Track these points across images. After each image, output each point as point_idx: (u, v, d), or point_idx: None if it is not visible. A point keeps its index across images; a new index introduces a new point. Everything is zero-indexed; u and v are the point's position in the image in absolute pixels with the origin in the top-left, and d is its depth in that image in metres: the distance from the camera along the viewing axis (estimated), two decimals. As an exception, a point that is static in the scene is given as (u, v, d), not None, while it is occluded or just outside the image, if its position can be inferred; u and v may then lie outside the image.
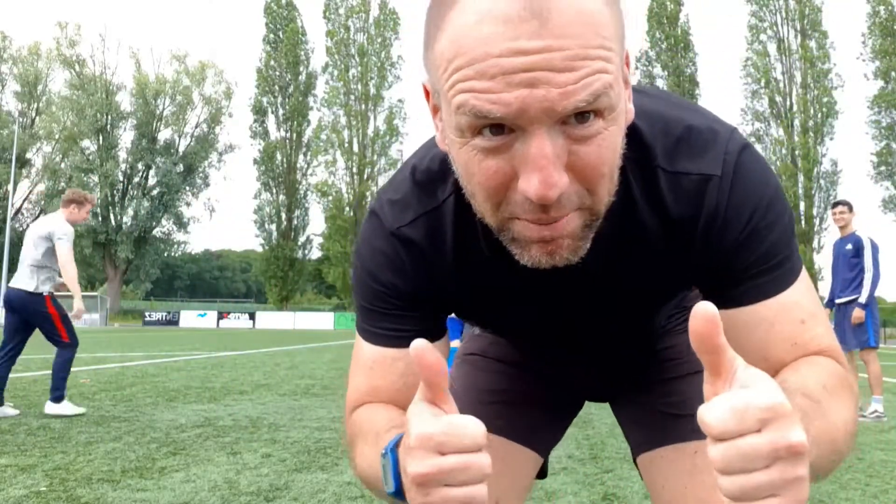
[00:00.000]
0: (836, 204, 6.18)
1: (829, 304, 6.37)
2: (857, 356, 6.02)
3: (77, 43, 48.18)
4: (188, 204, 51.05)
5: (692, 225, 0.79)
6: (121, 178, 47.85)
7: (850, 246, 5.95)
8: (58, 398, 5.10)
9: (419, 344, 0.58)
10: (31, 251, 5.32)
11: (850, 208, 6.06)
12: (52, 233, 5.35)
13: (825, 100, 39.83)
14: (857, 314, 5.86)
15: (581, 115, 0.61)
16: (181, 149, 49.90)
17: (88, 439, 4.14)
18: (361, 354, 0.91)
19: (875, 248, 5.88)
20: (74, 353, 5.34)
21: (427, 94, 0.73)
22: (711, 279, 0.82)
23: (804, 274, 0.83)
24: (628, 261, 0.84)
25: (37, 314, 5.27)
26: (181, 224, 51.21)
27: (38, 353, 12.44)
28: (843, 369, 0.78)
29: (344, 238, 43.54)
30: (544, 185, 0.61)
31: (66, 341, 5.27)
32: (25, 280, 5.26)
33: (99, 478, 3.20)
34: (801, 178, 39.65)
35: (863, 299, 5.83)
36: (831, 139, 40.24)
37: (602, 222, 0.72)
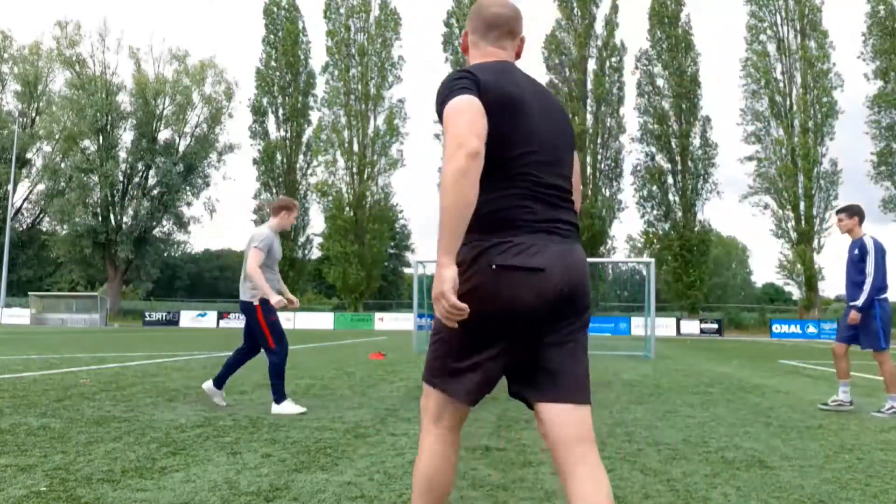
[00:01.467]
0: (837, 212, 6.21)
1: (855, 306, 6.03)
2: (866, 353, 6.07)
3: (77, 43, 48.12)
4: (188, 204, 51.00)
5: None
6: (121, 178, 47.76)
7: (856, 251, 6.00)
8: (277, 399, 5.42)
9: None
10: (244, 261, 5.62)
11: (851, 214, 6.08)
12: (251, 240, 5.51)
13: (825, 100, 39.78)
14: (853, 316, 5.92)
15: None
16: (181, 149, 49.86)
17: (88, 439, 4.14)
18: None
19: (879, 252, 5.90)
20: (282, 359, 5.48)
21: None
22: None
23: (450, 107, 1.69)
24: None
25: (249, 322, 5.56)
26: (181, 224, 51.17)
27: (38, 353, 12.44)
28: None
29: (344, 238, 43.50)
30: None
31: (272, 348, 5.46)
32: (243, 289, 5.57)
33: (99, 478, 3.20)
34: (801, 178, 39.61)
35: (859, 302, 5.88)
36: (831, 139, 40.19)
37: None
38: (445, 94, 1.67)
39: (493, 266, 1.66)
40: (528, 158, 1.74)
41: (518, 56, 2.00)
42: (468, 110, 1.62)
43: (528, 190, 1.72)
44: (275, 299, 5.48)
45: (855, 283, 5.96)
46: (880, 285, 5.87)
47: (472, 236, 1.69)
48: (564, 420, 1.71)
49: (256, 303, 5.46)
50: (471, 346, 1.72)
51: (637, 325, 36.03)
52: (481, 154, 1.58)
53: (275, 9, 48.83)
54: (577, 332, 1.77)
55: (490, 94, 1.70)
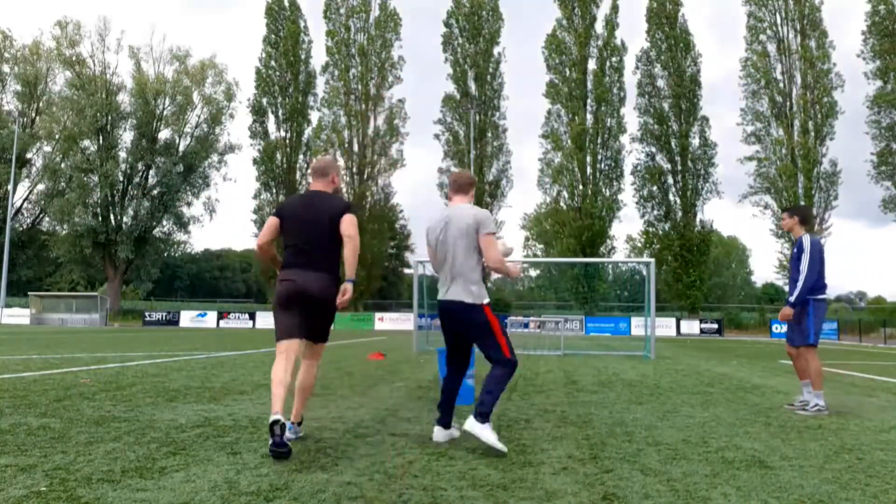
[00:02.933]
0: (782, 211, 6.40)
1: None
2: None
3: (77, 43, 48.09)
4: (188, 204, 50.96)
5: None
6: (121, 178, 47.72)
7: (795, 249, 6.09)
8: (482, 416, 4.09)
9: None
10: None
11: (792, 214, 6.24)
12: (481, 225, 4.29)
13: (825, 100, 39.78)
14: (785, 312, 5.99)
15: None
16: (181, 149, 49.84)
17: (88, 439, 4.14)
18: None
19: (816, 251, 5.93)
20: (511, 373, 4.24)
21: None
22: None
23: None
24: None
25: (468, 330, 4.34)
26: (181, 224, 51.12)
27: (38, 353, 12.43)
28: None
29: (344, 238, 43.47)
30: None
31: (507, 357, 4.18)
32: (463, 289, 4.29)
33: (99, 478, 3.20)
34: (801, 178, 39.61)
35: (791, 298, 5.94)
36: (831, 139, 40.20)
37: None
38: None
39: (280, 280, 4.11)
40: (295, 238, 4.13)
41: (334, 183, 4.38)
42: (266, 226, 4.20)
43: (294, 250, 4.13)
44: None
45: (794, 280, 6.04)
46: (815, 285, 5.90)
47: (280, 273, 4.15)
48: (308, 347, 4.29)
49: (485, 303, 4.27)
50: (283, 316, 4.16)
51: (637, 325, 36.03)
52: (263, 245, 4.21)
53: (276, 8, 48.84)
54: (315, 310, 4.15)
55: (284, 211, 4.20)
